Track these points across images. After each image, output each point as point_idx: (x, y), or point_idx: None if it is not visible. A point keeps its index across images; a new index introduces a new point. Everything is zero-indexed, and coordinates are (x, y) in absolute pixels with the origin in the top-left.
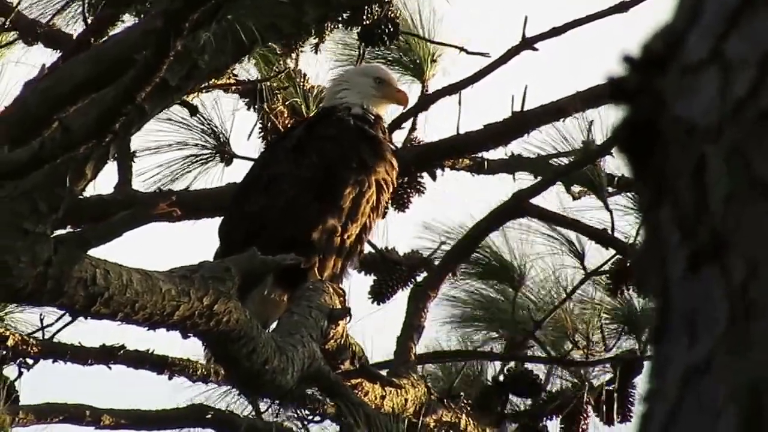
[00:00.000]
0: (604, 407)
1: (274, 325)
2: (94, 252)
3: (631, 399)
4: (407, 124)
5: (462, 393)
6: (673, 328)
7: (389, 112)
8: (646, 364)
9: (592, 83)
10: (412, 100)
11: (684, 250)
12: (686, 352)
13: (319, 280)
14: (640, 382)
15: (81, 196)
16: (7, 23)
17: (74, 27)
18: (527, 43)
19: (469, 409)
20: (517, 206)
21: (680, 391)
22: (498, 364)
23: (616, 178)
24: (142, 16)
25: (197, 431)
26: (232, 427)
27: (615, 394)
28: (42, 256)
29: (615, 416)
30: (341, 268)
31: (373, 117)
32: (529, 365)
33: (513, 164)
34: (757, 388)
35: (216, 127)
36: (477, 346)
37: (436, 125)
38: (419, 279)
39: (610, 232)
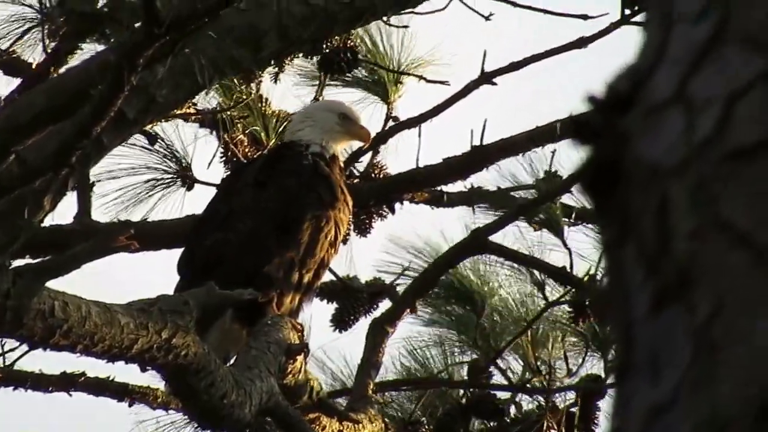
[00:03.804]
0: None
1: (233, 360)
2: (52, 284)
3: (595, 421)
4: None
5: (423, 419)
6: (636, 366)
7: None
8: (609, 390)
9: (552, 118)
10: (377, 129)
11: (648, 287)
12: (650, 390)
13: (277, 314)
14: (604, 405)
15: (39, 227)
16: None
17: (33, 56)
18: (486, 78)
19: None
20: (476, 243)
21: (643, 430)
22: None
23: (573, 212)
24: (106, 43)
25: None
26: None
27: (576, 418)
28: (1, 287)
29: None
30: (299, 303)
31: (329, 155)
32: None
33: (473, 197)
34: (721, 425)
35: (177, 151)
36: (440, 369)
37: (395, 158)
38: (381, 305)
39: (568, 268)
